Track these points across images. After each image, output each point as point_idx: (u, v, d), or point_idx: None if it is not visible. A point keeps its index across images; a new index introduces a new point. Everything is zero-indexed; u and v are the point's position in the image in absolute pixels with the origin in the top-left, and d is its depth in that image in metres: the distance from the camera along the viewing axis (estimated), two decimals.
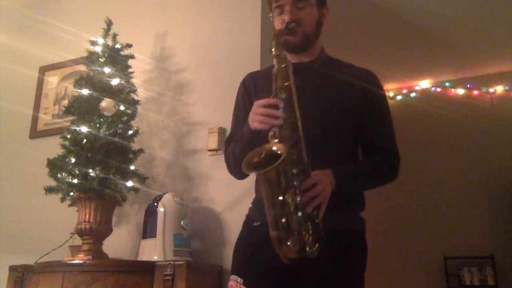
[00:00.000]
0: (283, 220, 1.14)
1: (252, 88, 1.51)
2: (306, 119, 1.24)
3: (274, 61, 1.28)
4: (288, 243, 1.15)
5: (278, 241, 1.16)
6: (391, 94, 4.96)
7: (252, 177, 1.45)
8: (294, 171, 1.17)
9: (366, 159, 1.47)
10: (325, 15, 1.50)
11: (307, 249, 1.16)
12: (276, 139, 1.19)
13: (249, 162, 1.16)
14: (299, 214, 1.15)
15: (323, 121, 1.35)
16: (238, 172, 1.44)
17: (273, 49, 1.27)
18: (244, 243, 1.43)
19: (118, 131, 2.18)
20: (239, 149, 1.33)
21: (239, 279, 1.32)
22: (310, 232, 1.17)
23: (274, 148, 1.16)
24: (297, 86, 1.26)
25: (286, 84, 1.25)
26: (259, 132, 1.24)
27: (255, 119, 1.24)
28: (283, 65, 1.26)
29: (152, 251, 2.05)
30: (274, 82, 1.26)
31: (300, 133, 1.22)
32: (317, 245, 1.17)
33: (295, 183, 1.16)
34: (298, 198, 1.15)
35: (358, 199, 1.43)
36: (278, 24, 1.40)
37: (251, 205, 1.50)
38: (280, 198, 1.14)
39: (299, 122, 1.22)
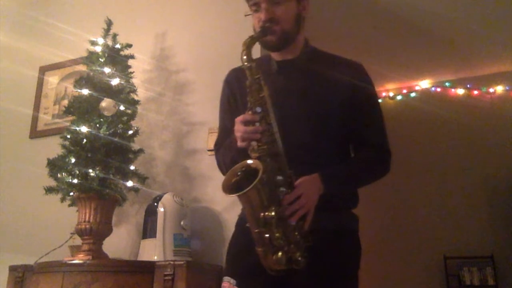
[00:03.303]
0: (267, 236, 1.13)
1: (236, 87, 1.46)
2: (292, 121, 1.23)
3: (247, 73, 1.25)
4: (274, 258, 1.14)
5: (263, 257, 1.16)
6: (391, 94, 4.96)
7: None
8: (275, 185, 1.16)
9: (356, 156, 1.42)
10: (306, 8, 1.41)
11: (294, 261, 1.15)
12: (255, 153, 1.19)
13: (228, 184, 1.15)
14: (283, 228, 1.14)
15: (310, 121, 1.33)
16: None
17: (244, 60, 1.25)
18: (237, 244, 1.41)
19: (118, 131, 2.18)
20: (229, 159, 1.33)
21: (232, 280, 1.30)
22: (297, 244, 1.16)
23: (251, 164, 1.15)
24: (282, 86, 1.25)
25: (260, 96, 1.23)
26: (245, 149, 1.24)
27: (237, 136, 1.24)
28: (256, 77, 1.24)
29: (152, 251, 2.05)
30: (248, 94, 1.24)
31: (279, 146, 1.20)
32: (304, 256, 1.16)
33: (276, 197, 1.15)
34: (281, 213, 1.14)
35: (350, 197, 1.40)
36: (255, 22, 1.36)
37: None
38: (262, 214, 1.13)
39: (277, 134, 1.21)
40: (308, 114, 1.33)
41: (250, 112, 1.23)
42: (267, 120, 1.21)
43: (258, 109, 1.22)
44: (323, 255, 1.23)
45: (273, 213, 1.12)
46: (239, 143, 1.23)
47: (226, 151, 1.38)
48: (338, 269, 1.27)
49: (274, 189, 1.16)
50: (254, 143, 1.20)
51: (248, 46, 1.26)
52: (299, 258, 1.16)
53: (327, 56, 1.47)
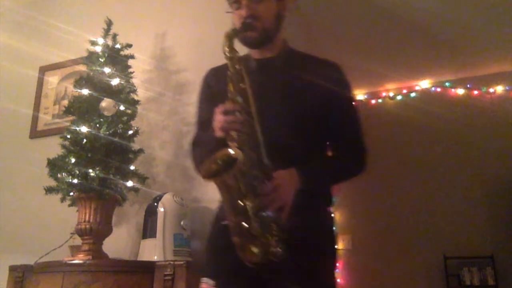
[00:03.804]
0: (244, 225, 1.13)
1: (214, 85, 1.47)
2: (270, 118, 1.23)
3: (228, 64, 1.26)
4: (251, 249, 1.13)
5: (240, 248, 1.15)
6: (391, 94, 4.96)
7: None
8: (254, 174, 1.16)
9: (333, 155, 1.45)
10: (286, 7, 1.44)
11: (270, 253, 1.14)
12: (235, 143, 1.18)
13: (207, 170, 1.15)
14: (261, 218, 1.14)
15: (288, 118, 1.33)
16: None
17: (226, 51, 1.26)
18: (214, 244, 1.40)
19: (118, 131, 2.18)
20: (205, 152, 1.29)
21: (210, 281, 1.29)
22: (274, 236, 1.15)
23: (231, 152, 1.15)
24: (261, 84, 1.25)
25: (242, 87, 1.23)
26: (224, 139, 1.23)
27: (216, 126, 1.24)
28: (237, 67, 1.25)
29: (152, 251, 2.05)
30: (229, 85, 1.25)
31: (258, 136, 1.20)
32: (280, 248, 1.16)
33: (256, 187, 1.14)
34: (258, 202, 1.13)
35: (325, 195, 1.41)
36: (236, 19, 1.37)
37: (219, 204, 1.47)
38: (240, 203, 1.12)
39: (257, 125, 1.21)
40: (286, 111, 1.34)
41: (230, 102, 1.23)
42: (248, 110, 1.22)
43: (239, 99, 1.23)
44: (301, 254, 1.23)
45: (251, 202, 1.12)
46: (218, 133, 1.23)
47: (203, 146, 1.38)
48: (317, 267, 1.28)
49: (252, 179, 1.15)
50: (233, 133, 1.19)
51: (230, 37, 1.27)
52: (277, 250, 1.15)
53: (305, 56, 1.49)
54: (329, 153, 1.46)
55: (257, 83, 1.27)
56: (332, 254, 1.39)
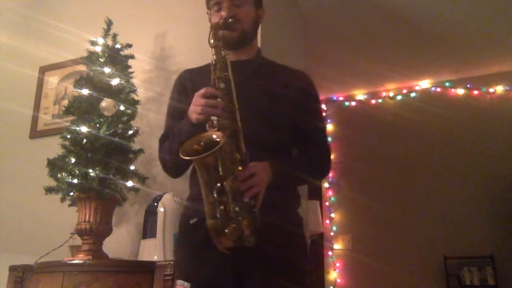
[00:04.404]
0: (221, 207, 1.15)
1: (189, 84, 1.51)
2: (245, 114, 1.26)
3: (213, 51, 1.30)
4: (226, 232, 1.15)
5: (215, 230, 1.16)
6: (391, 94, 4.96)
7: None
8: (233, 159, 1.19)
9: (301, 153, 1.52)
10: (261, 17, 1.53)
11: (244, 238, 1.16)
12: (215, 128, 1.20)
13: (188, 150, 1.16)
14: (237, 202, 1.15)
15: (261, 116, 1.38)
16: (173, 169, 1.50)
17: (211, 40, 1.30)
18: (186, 245, 1.40)
19: (118, 131, 2.18)
20: (177, 144, 1.29)
21: (185, 284, 1.30)
22: (248, 221, 1.17)
23: (213, 136, 1.17)
24: (236, 83, 1.28)
25: (225, 74, 1.27)
26: (199, 127, 1.24)
27: (194, 110, 1.25)
28: (221, 56, 1.29)
29: (152, 251, 2.05)
30: (212, 72, 1.28)
31: (238, 123, 1.23)
32: (253, 235, 1.18)
33: (233, 170, 1.17)
34: (235, 186, 1.16)
35: (293, 197, 1.46)
36: (215, 19, 1.42)
37: (186, 202, 1.50)
38: (218, 185, 1.14)
39: (237, 112, 1.24)
40: (259, 110, 1.38)
41: (213, 87, 1.26)
42: (229, 97, 1.25)
43: (222, 85, 1.26)
44: (276, 252, 1.27)
45: (228, 184, 1.14)
46: (197, 116, 1.24)
47: (174, 138, 1.39)
48: (291, 265, 1.31)
49: (231, 164, 1.17)
50: (214, 118, 1.21)
51: (215, 28, 1.33)
52: (250, 236, 1.17)
53: (278, 65, 1.58)
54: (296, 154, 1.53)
55: (233, 80, 1.30)
56: (303, 253, 1.42)
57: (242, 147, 1.22)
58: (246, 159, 1.22)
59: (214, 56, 1.29)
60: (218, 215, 1.15)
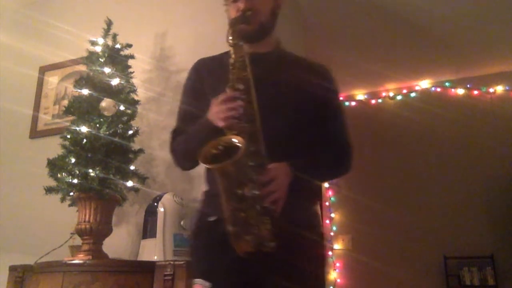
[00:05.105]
0: (242, 214, 1.12)
1: (205, 73, 1.47)
2: (263, 111, 1.22)
3: (231, 51, 1.26)
4: (246, 238, 1.13)
5: (236, 236, 1.14)
6: (391, 94, 4.96)
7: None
8: (252, 164, 1.15)
9: (321, 151, 1.45)
10: (280, 6, 1.46)
11: (265, 243, 1.14)
12: (234, 131, 1.17)
13: (207, 155, 1.12)
14: (257, 208, 1.13)
15: (280, 113, 1.33)
16: (186, 165, 1.46)
17: (230, 38, 1.26)
18: (204, 243, 1.36)
19: (118, 131, 2.18)
20: (196, 143, 1.21)
21: (206, 283, 1.26)
22: (268, 226, 1.15)
23: (233, 140, 1.12)
24: (254, 77, 1.24)
25: (243, 74, 1.23)
26: (218, 129, 1.21)
27: (218, 118, 1.22)
28: (240, 55, 1.25)
29: (152, 251, 2.05)
30: (231, 72, 1.24)
31: (258, 125, 1.20)
32: (274, 239, 1.15)
33: (252, 176, 1.13)
34: (256, 192, 1.12)
35: (312, 192, 1.43)
36: (233, 13, 1.37)
37: (203, 197, 1.44)
38: (238, 191, 1.11)
39: (257, 114, 1.21)
40: (279, 105, 1.34)
41: (231, 90, 1.22)
42: (249, 98, 1.21)
43: (241, 86, 1.22)
44: (293, 251, 1.24)
45: (248, 192, 1.11)
46: (220, 123, 1.21)
47: (192, 136, 1.35)
48: (306, 265, 1.28)
49: (250, 169, 1.14)
50: (233, 121, 1.18)
51: (233, 25, 1.28)
52: (271, 241, 1.14)
53: (297, 57, 1.52)
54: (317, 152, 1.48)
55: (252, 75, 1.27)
56: (322, 253, 1.40)
57: (262, 150, 1.19)
58: (266, 162, 1.19)
59: (233, 55, 1.25)
60: (238, 222, 1.13)
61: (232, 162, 1.07)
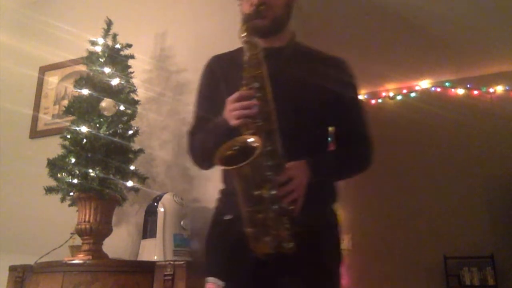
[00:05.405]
0: (259, 216, 1.10)
1: (218, 71, 1.44)
2: (280, 107, 1.20)
3: (245, 47, 1.23)
4: (265, 239, 1.11)
5: (254, 238, 1.12)
6: (391, 94, 4.96)
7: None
8: (269, 164, 1.12)
9: (340, 148, 1.43)
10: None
11: (284, 244, 1.12)
12: (250, 130, 1.14)
13: (223, 156, 1.10)
14: (275, 209, 1.10)
15: (298, 109, 1.30)
16: (204, 165, 1.42)
17: (243, 35, 1.23)
18: (219, 241, 1.34)
19: (118, 131, 2.18)
20: (212, 144, 1.20)
21: (219, 282, 1.24)
22: (286, 227, 1.13)
23: (249, 140, 1.10)
24: (269, 72, 1.21)
25: (258, 72, 1.20)
26: (234, 129, 1.18)
27: (232, 116, 1.19)
28: (254, 52, 1.22)
29: (152, 251, 2.05)
30: (245, 70, 1.21)
31: (274, 123, 1.17)
32: (293, 240, 1.13)
33: (270, 177, 1.11)
34: (274, 193, 1.10)
35: (330, 191, 1.39)
36: (246, 7, 1.33)
37: (219, 196, 1.42)
38: (256, 192, 1.08)
39: (273, 112, 1.18)
40: (295, 102, 1.30)
41: (245, 88, 1.19)
42: (264, 96, 1.18)
43: (255, 84, 1.19)
44: (310, 253, 1.21)
45: (266, 192, 1.09)
46: (234, 122, 1.18)
47: (208, 136, 1.32)
48: (325, 267, 1.26)
49: (267, 169, 1.11)
50: (249, 120, 1.16)
51: (247, 20, 1.25)
52: (290, 243, 1.12)
53: (313, 50, 1.48)
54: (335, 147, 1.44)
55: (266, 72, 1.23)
56: (338, 252, 1.37)
57: (279, 149, 1.16)
58: (283, 161, 1.16)
59: (247, 52, 1.21)
60: (256, 224, 1.11)
61: (249, 163, 1.04)
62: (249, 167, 1.06)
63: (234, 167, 1.06)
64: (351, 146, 1.40)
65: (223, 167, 1.10)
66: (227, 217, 1.31)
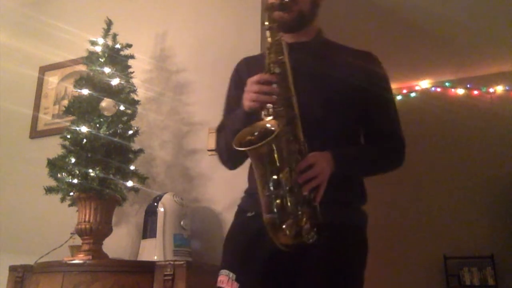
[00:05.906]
0: (278, 201, 1.06)
1: (245, 73, 1.42)
2: (304, 98, 1.18)
3: (268, 34, 1.21)
4: (284, 227, 1.07)
5: (272, 225, 1.08)
6: None
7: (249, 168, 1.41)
8: (290, 150, 1.10)
9: (370, 143, 1.37)
10: None
11: (304, 234, 1.08)
12: (270, 116, 1.12)
13: (241, 140, 1.08)
14: (295, 195, 1.07)
15: (322, 100, 1.27)
16: (230, 160, 1.39)
17: (266, 22, 1.22)
18: (238, 236, 1.33)
19: (118, 131, 2.18)
20: (231, 133, 1.18)
21: (231, 274, 1.23)
22: (307, 216, 1.08)
23: (268, 125, 1.09)
24: (294, 65, 1.20)
25: (280, 58, 1.18)
26: (253, 114, 1.16)
27: (248, 97, 1.17)
28: (276, 38, 1.20)
29: (152, 251, 2.05)
30: (267, 56, 1.19)
31: (295, 110, 1.15)
32: (314, 231, 1.09)
33: (290, 162, 1.08)
34: (294, 179, 1.07)
35: (358, 191, 1.34)
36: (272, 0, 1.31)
37: (243, 195, 1.41)
38: (274, 177, 1.06)
39: (294, 98, 1.15)
40: (320, 93, 1.28)
41: (267, 73, 1.16)
42: (285, 83, 1.16)
43: (277, 70, 1.16)
44: (330, 253, 1.17)
45: (285, 178, 1.06)
46: (250, 104, 1.15)
47: (229, 128, 1.30)
48: (345, 269, 1.21)
49: (287, 154, 1.08)
50: (269, 106, 1.13)
51: (269, 9, 1.24)
52: (310, 233, 1.08)
53: (340, 45, 1.46)
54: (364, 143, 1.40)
55: (291, 62, 1.22)
56: (361, 256, 1.31)
57: (300, 136, 1.13)
58: (305, 148, 1.13)
59: (269, 39, 1.19)
60: (275, 210, 1.06)
61: (265, 143, 1.02)
62: (266, 149, 1.04)
63: (251, 147, 1.04)
64: (381, 142, 1.35)
65: (240, 149, 1.06)
66: (249, 213, 1.30)
